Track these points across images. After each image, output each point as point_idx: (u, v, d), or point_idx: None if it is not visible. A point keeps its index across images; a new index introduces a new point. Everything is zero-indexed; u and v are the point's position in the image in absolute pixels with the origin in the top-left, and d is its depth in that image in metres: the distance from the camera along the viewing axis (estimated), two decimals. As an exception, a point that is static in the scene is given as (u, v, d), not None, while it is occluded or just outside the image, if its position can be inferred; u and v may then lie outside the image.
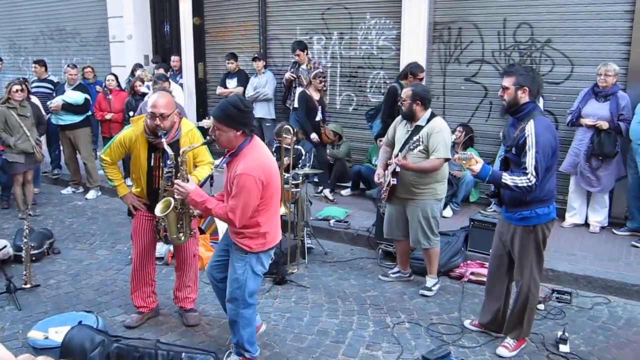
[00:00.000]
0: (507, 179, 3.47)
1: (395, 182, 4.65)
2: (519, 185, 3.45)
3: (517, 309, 3.83)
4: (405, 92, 4.65)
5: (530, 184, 3.42)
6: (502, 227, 3.90)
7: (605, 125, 5.72)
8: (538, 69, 6.54)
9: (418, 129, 4.58)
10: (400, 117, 4.81)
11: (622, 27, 6.08)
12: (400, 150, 4.57)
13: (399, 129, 4.79)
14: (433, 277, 4.91)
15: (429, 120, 4.59)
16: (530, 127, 3.46)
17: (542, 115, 3.60)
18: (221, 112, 3.25)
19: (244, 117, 3.27)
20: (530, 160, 3.42)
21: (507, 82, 3.59)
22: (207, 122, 6.39)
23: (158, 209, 3.72)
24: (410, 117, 4.65)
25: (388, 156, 4.84)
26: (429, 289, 4.86)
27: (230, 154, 3.36)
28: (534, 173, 3.41)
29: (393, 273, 5.18)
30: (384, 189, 4.79)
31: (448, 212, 6.66)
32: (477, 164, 3.50)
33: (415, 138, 4.43)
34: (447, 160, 4.55)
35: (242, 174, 3.21)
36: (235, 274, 3.47)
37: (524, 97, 3.56)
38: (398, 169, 4.60)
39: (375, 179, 4.90)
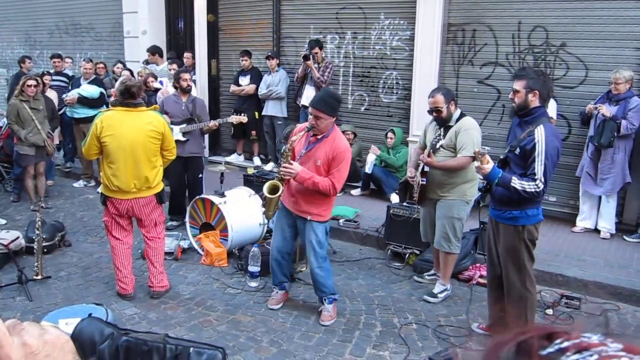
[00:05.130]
0: (517, 183, 3.45)
1: (424, 182, 4.61)
2: (527, 190, 3.44)
3: (515, 310, 3.75)
4: (436, 100, 4.46)
5: (538, 189, 3.43)
6: (489, 225, 3.91)
7: (607, 112, 5.61)
8: (552, 72, 6.50)
9: (447, 129, 4.51)
10: (432, 119, 4.71)
11: (637, 32, 6.02)
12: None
13: (429, 132, 4.71)
14: (443, 283, 4.79)
15: (458, 120, 4.51)
16: (540, 134, 3.45)
17: (549, 122, 3.62)
18: (324, 103, 4.01)
19: (338, 106, 4.21)
20: (539, 167, 3.43)
21: (518, 85, 3.59)
22: (235, 118, 6.66)
23: (266, 190, 4.15)
24: (448, 121, 4.52)
25: (419, 157, 4.76)
26: (434, 296, 4.74)
27: (322, 137, 4.08)
28: (542, 179, 3.42)
29: (429, 275, 5.12)
30: (415, 189, 4.70)
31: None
32: (489, 164, 3.49)
33: (436, 134, 4.46)
34: (474, 158, 4.46)
35: (346, 150, 4.06)
36: (317, 237, 4.19)
37: (534, 101, 3.57)
38: (427, 169, 4.57)
39: (408, 174, 4.80)
